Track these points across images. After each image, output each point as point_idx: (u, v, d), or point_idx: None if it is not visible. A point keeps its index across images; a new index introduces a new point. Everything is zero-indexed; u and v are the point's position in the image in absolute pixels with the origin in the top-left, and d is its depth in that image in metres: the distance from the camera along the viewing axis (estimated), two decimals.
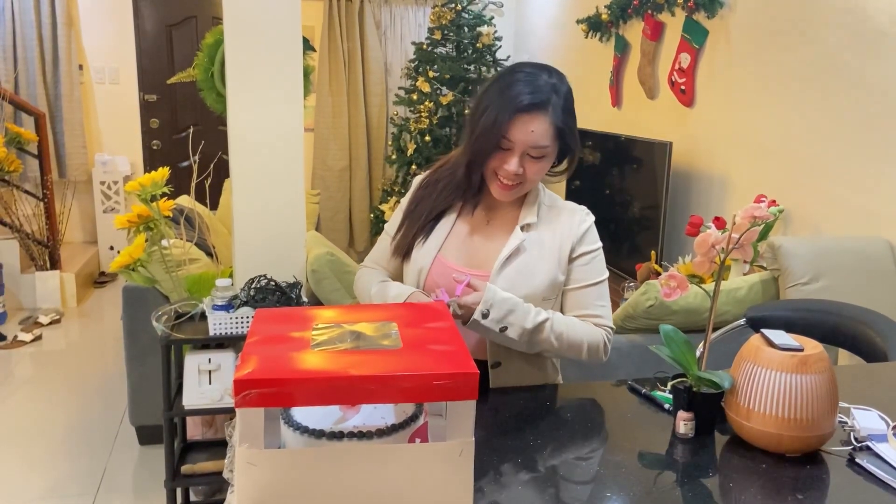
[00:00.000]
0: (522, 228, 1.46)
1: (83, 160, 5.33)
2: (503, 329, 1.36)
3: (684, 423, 1.16)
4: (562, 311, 1.48)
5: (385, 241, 1.60)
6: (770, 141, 3.11)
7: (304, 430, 0.90)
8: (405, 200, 1.59)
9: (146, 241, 2.25)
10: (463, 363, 0.89)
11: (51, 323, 4.32)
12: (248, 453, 0.85)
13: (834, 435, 1.13)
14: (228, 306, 2.11)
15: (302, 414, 0.94)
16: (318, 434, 0.89)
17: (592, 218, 1.50)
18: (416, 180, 1.59)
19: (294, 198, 2.36)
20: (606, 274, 1.49)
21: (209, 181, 2.63)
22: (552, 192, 1.55)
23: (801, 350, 1.11)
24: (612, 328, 1.47)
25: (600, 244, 1.49)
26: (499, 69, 5.20)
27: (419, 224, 1.51)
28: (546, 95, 1.36)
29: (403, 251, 1.53)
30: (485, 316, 1.34)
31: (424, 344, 0.94)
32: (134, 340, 2.73)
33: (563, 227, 1.47)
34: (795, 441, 1.08)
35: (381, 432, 0.89)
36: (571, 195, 4.17)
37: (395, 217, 1.59)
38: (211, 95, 2.63)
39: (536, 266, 1.43)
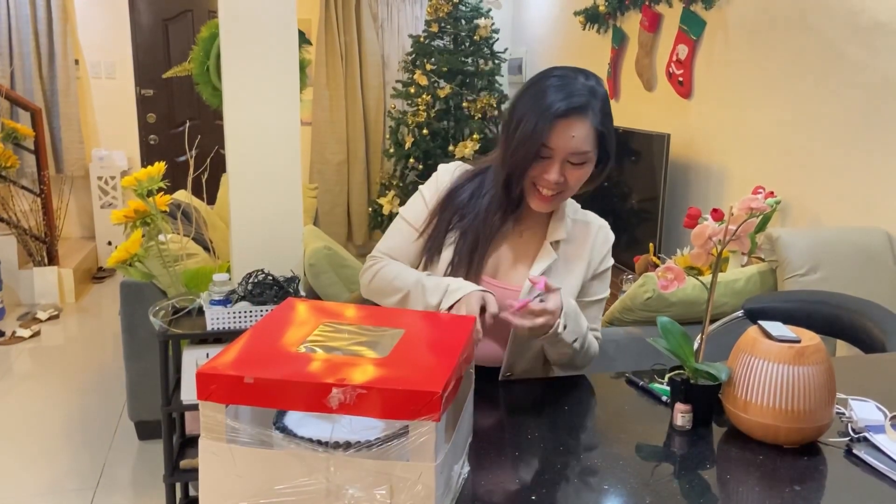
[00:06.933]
0: (553, 245, 1.42)
1: (80, 155, 5.32)
2: (575, 341, 1.34)
3: (682, 415, 1.16)
4: None
5: (405, 232, 1.45)
6: (768, 132, 3.10)
7: (284, 430, 0.88)
8: (431, 190, 1.46)
9: (143, 236, 2.24)
10: (431, 381, 0.81)
11: (49, 318, 4.32)
12: (207, 444, 0.86)
13: (831, 426, 1.13)
14: (226, 301, 2.11)
15: (295, 419, 0.92)
16: (301, 438, 0.86)
17: (613, 235, 1.51)
18: (448, 174, 1.46)
19: (291, 192, 2.35)
20: (609, 291, 1.51)
21: (206, 176, 2.63)
22: (573, 201, 1.50)
23: (799, 341, 1.11)
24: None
25: (612, 261, 1.51)
26: (497, 62, 5.19)
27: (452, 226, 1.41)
28: (585, 99, 1.29)
29: (434, 250, 1.41)
30: (564, 327, 1.28)
31: (413, 355, 0.90)
32: (132, 336, 2.73)
33: (591, 244, 1.46)
34: (793, 432, 1.08)
35: (350, 445, 0.84)
36: None
37: (415, 205, 1.46)
38: (207, 89, 2.62)
39: (568, 286, 1.41)
